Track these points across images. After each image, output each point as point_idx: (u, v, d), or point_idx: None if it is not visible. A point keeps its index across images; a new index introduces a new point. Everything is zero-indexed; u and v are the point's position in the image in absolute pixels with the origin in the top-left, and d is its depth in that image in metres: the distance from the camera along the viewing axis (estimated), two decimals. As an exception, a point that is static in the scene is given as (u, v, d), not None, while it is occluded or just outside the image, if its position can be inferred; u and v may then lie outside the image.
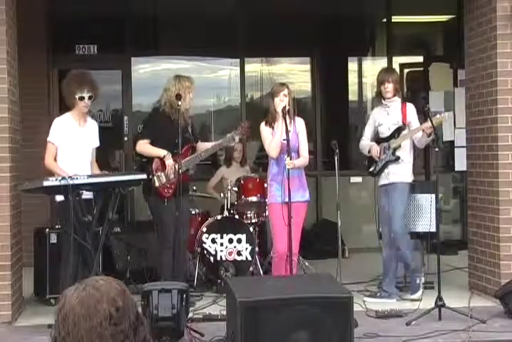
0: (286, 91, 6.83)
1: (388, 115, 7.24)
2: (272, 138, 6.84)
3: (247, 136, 7.48)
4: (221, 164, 9.25)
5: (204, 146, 7.23)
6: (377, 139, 7.35)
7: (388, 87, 7.17)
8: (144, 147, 7.09)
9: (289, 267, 6.62)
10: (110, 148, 9.97)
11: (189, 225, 7.34)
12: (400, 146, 7.15)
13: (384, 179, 7.21)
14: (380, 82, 7.26)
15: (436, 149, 6.59)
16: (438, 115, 6.93)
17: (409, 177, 7.17)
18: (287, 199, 6.63)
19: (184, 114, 7.00)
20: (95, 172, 6.69)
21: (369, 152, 7.31)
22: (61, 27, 9.83)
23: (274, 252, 6.89)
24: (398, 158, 7.14)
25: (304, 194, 6.86)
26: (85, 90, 6.60)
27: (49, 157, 6.58)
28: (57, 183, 5.98)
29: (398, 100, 7.24)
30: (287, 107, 6.73)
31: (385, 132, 7.26)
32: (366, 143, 7.40)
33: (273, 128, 6.88)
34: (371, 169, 7.34)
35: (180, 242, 6.89)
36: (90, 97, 6.64)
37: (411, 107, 7.23)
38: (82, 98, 6.60)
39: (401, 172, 7.14)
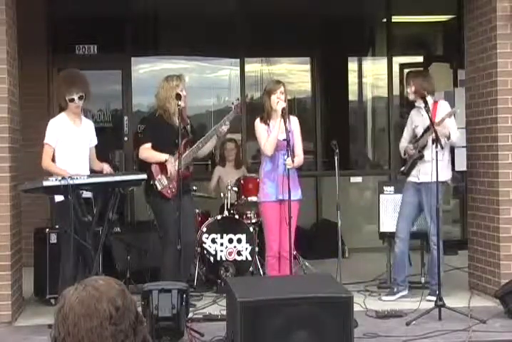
0: (282, 89, 6.83)
1: (422, 116, 7.19)
2: (267, 136, 6.83)
3: (240, 114, 7.24)
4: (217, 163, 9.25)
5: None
6: (414, 140, 7.31)
7: (408, 91, 7.31)
8: (147, 152, 7.01)
9: (288, 267, 6.64)
10: (110, 148, 9.96)
11: (194, 225, 7.32)
12: (426, 144, 7.10)
13: (414, 178, 7.18)
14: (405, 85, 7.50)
15: (436, 149, 6.59)
16: (450, 109, 7.07)
17: (441, 176, 6.85)
18: (280, 197, 6.67)
19: (182, 112, 6.95)
20: (98, 168, 6.70)
21: (405, 154, 7.33)
22: (61, 27, 9.83)
23: (269, 252, 6.87)
24: (422, 156, 7.13)
25: (297, 193, 6.87)
26: (73, 91, 6.55)
27: (46, 158, 6.54)
28: (57, 183, 5.98)
29: (428, 101, 7.20)
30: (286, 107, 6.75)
31: (420, 133, 7.25)
32: (402, 145, 7.39)
33: (268, 125, 6.88)
34: (401, 169, 7.36)
35: (187, 243, 6.72)
36: (80, 98, 6.59)
37: (442, 106, 7.24)
38: (72, 100, 6.57)
39: (430, 172, 6.83)
